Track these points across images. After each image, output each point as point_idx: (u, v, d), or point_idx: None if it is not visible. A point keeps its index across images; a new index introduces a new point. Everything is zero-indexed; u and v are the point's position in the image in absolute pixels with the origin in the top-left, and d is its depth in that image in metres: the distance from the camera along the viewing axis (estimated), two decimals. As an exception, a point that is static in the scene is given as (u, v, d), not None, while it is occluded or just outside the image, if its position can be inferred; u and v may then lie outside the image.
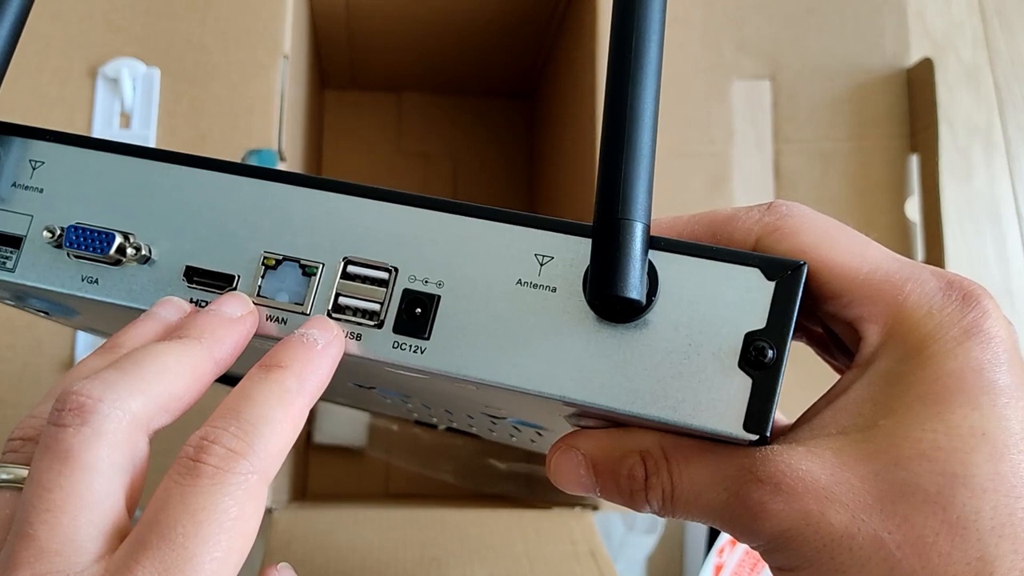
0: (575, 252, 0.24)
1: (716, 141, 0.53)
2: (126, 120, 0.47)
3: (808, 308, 0.24)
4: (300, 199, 0.25)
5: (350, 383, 0.33)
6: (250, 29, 0.48)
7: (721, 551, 0.58)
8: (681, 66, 0.54)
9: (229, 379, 0.30)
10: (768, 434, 0.22)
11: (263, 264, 0.25)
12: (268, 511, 0.49)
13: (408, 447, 0.66)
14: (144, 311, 0.25)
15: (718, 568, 0.57)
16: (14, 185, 0.27)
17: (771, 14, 0.55)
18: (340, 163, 0.75)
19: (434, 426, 0.42)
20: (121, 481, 0.21)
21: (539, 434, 0.33)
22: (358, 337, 0.24)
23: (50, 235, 0.26)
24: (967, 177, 0.73)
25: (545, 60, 0.71)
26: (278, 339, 0.24)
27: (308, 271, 0.25)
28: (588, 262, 0.23)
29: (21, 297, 0.29)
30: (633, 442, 0.24)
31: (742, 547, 0.58)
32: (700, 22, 0.54)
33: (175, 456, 0.21)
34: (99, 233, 0.26)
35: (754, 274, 0.23)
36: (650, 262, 0.23)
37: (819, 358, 0.29)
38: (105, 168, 0.27)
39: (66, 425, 0.20)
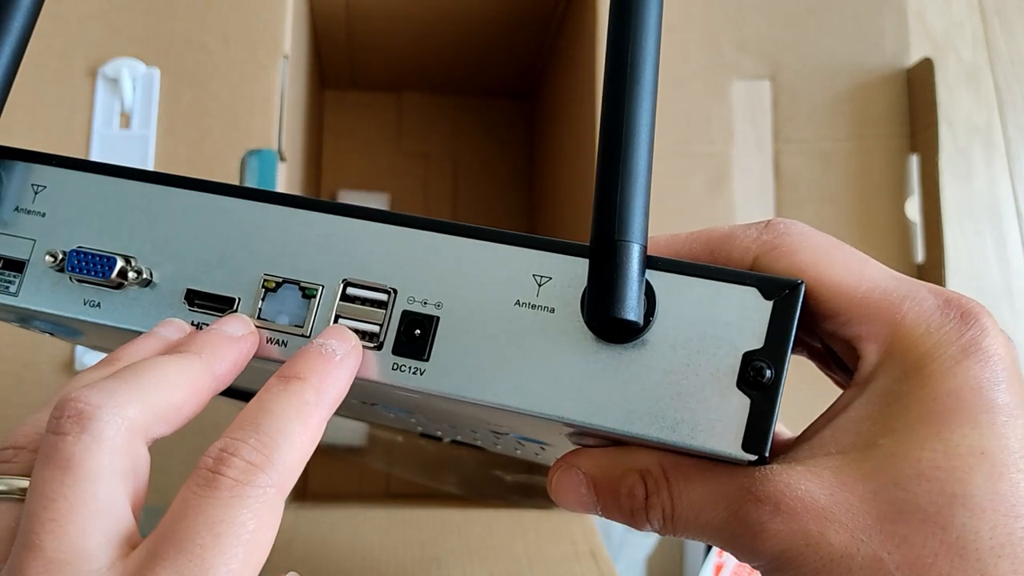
0: (573, 272, 0.24)
1: (716, 141, 0.53)
2: (126, 120, 0.47)
3: (807, 325, 0.24)
4: (300, 222, 0.26)
5: (354, 399, 0.33)
6: (250, 29, 0.48)
7: (721, 551, 0.58)
8: (681, 66, 0.54)
9: (240, 394, 0.31)
10: (767, 454, 0.22)
11: (263, 287, 0.25)
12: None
13: (412, 458, 0.66)
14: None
15: (718, 568, 0.57)
16: (16, 209, 0.27)
17: (771, 14, 0.55)
18: (340, 163, 0.75)
19: (439, 438, 0.42)
20: (124, 488, 0.21)
21: (543, 448, 0.33)
22: None
23: (52, 259, 0.26)
24: (967, 177, 0.73)
25: (545, 60, 0.71)
26: (280, 361, 0.24)
27: (308, 293, 0.25)
28: (586, 283, 0.23)
29: (25, 319, 0.29)
30: (633, 461, 0.24)
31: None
32: (700, 22, 0.54)
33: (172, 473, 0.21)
34: (101, 257, 0.26)
35: (751, 293, 0.23)
36: (648, 282, 0.23)
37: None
38: (106, 192, 0.27)
39: (66, 433, 0.20)
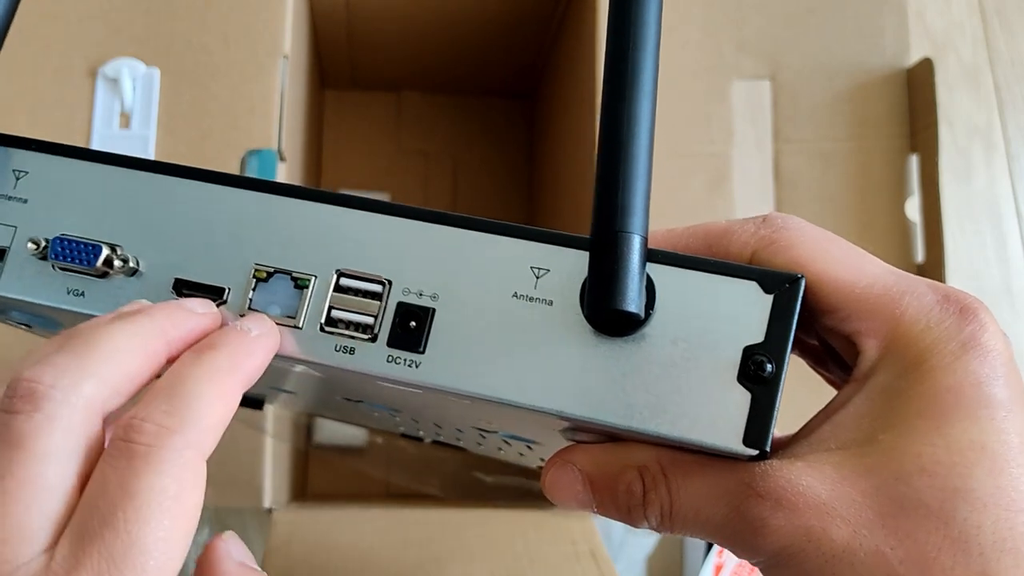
0: (571, 265, 0.23)
1: (716, 141, 0.53)
2: (126, 120, 0.47)
3: (804, 322, 0.24)
4: (292, 211, 0.25)
5: (338, 396, 0.33)
6: (250, 29, 0.48)
7: (721, 551, 0.58)
8: (681, 66, 0.54)
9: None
10: (768, 449, 0.22)
11: (254, 276, 0.25)
12: (268, 511, 0.49)
13: (395, 460, 0.65)
14: None
15: (718, 568, 0.57)
16: None
17: (771, 14, 0.55)
18: (340, 163, 0.75)
19: (420, 439, 0.42)
20: (75, 467, 0.20)
21: (529, 447, 0.33)
22: (352, 351, 0.24)
23: (35, 247, 0.26)
24: (967, 177, 0.73)
25: (545, 60, 0.71)
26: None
27: (300, 284, 0.25)
28: (584, 275, 0.23)
29: (2, 310, 0.29)
30: (630, 457, 0.24)
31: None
32: (700, 22, 0.54)
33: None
34: (85, 245, 0.25)
35: (752, 287, 0.22)
36: (647, 275, 0.23)
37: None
38: (91, 178, 0.26)
39: (17, 412, 0.20)
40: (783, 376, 0.22)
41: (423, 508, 0.53)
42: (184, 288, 0.25)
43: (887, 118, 0.54)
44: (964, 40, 0.77)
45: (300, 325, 0.24)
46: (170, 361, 0.23)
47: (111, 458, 0.20)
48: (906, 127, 0.54)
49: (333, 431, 0.66)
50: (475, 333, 0.23)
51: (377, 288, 0.24)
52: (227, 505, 0.54)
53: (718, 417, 0.22)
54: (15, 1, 0.26)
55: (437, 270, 0.24)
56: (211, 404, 0.21)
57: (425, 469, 0.64)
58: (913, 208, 0.53)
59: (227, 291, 0.25)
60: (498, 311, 0.23)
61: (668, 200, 0.51)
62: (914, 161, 0.54)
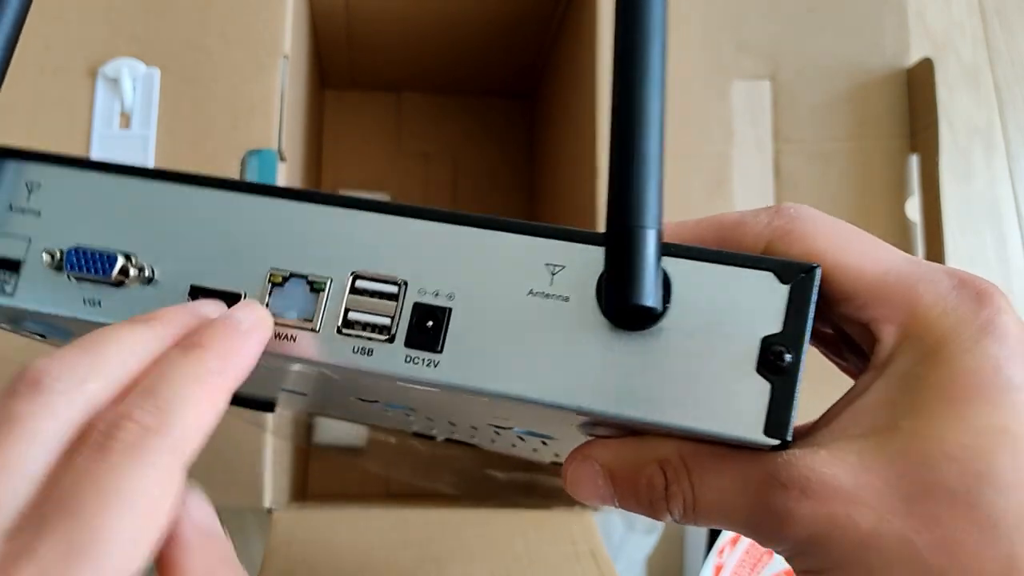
0: (585, 261, 0.23)
1: (716, 141, 0.53)
2: (126, 120, 0.47)
3: (820, 311, 0.24)
4: (304, 215, 0.25)
5: (352, 397, 0.33)
6: (250, 29, 0.48)
7: (721, 551, 0.58)
8: (681, 66, 0.54)
9: (248, 402, 0.30)
10: (789, 438, 0.22)
11: (269, 281, 0.25)
12: (268, 511, 0.49)
13: (406, 459, 0.65)
14: None
15: (718, 568, 0.57)
16: (10, 208, 0.27)
17: (771, 14, 0.55)
18: (340, 163, 0.75)
19: (432, 437, 0.42)
20: (58, 458, 0.20)
21: (543, 443, 0.33)
22: (370, 352, 0.24)
23: (50, 258, 0.26)
24: (967, 177, 0.73)
25: (545, 60, 0.71)
26: (290, 357, 0.24)
27: (316, 287, 0.25)
28: (599, 270, 0.23)
29: (17, 321, 0.29)
30: (651, 451, 0.24)
31: (742, 547, 0.58)
32: (700, 22, 0.54)
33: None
34: (100, 255, 0.25)
35: (768, 278, 0.22)
36: (663, 269, 0.23)
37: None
38: (103, 189, 0.26)
39: (19, 395, 0.20)
40: (802, 365, 0.22)
41: (423, 508, 0.53)
42: (200, 295, 0.25)
43: (887, 118, 0.54)
44: (964, 40, 0.77)
45: (317, 328, 0.24)
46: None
47: (86, 449, 0.20)
48: (906, 127, 0.54)
49: (334, 430, 0.66)
50: (492, 331, 0.23)
51: (393, 289, 0.24)
52: (227, 505, 0.54)
53: (738, 408, 0.22)
54: (18, 27, 0.26)
55: (452, 270, 0.24)
56: (196, 407, 0.21)
57: (436, 467, 0.64)
58: (913, 208, 0.53)
59: (243, 296, 0.25)
60: (514, 308, 0.24)
61: (668, 200, 0.51)
62: (914, 161, 0.54)
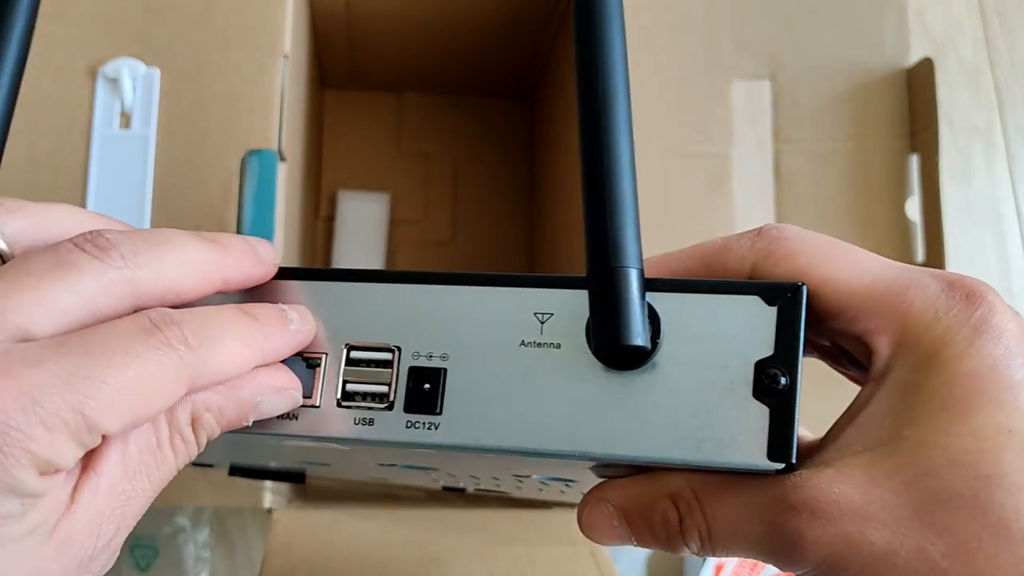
0: (573, 305, 0.23)
1: (716, 141, 0.53)
2: (126, 120, 0.47)
3: (814, 327, 0.24)
4: (295, 292, 0.26)
5: (372, 462, 0.32)
6: (250, 29, 0.48)
7: (721, 551, 0.58)
8: (681, 66, 0.54)
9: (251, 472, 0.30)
10: (794, 461, 0.22)
11: None
12: (268, 511, 0.49)
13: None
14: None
15: (718, 568, 0.57)
16: None
17: (771, 14, 0.55)
18: (340, 163, 0.75)
19: (463, 490, 0.42)
20: (83, 315, 0.21)
21: (567, 486, 0.33)
22: (371, 422, 0.24)
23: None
24: (967, 177, 0.73)
25: (545, 60, 0.71)
26: (293, 436, 0.25)
27: (312, 363, 0.25)
28: (587, 313, 0.23)
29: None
30: (662, 487, 0.24)
31: (742, 547, 0.58)
32: (700, 22, 0.54)
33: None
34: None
35: (754, 302, 0.22)
36: (649, 305, 0.23)
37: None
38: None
39: (83, 249, 0.21)
40: (798, 386, 0.22)
41: (423, 508, 0.53)
42: None
43: (887, 118, 0.54)
44: (964, 40, 0.77)
45: (318, 404, 0.25)
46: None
47: (130, 323, 0.21)
48: (906, 127, 0.54)
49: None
50: (489, 387, 0.24)
51: (387, 356, 0.24)
52: (227, 505, 0.54)
53: (740, 436, 0.22)
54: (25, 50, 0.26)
55: (443, 330, 0.24)
56: (229, 356, 0.22)
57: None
58: (913, 208, 0.53)
59: None
60: (509, 361, 0.24)
61: (668, 200, 0.51)
62: (914, 161, 0.54)
